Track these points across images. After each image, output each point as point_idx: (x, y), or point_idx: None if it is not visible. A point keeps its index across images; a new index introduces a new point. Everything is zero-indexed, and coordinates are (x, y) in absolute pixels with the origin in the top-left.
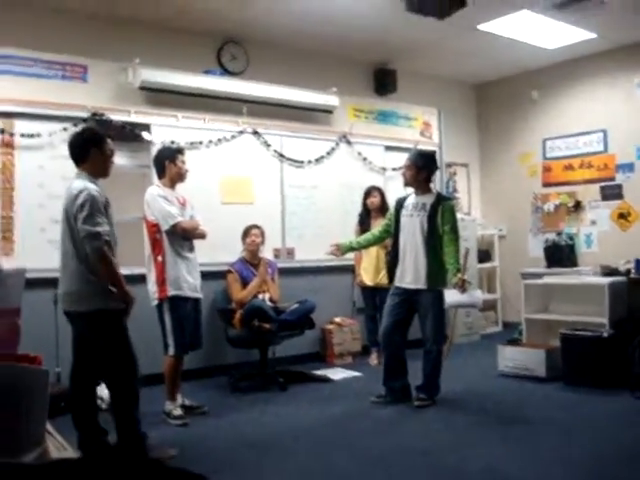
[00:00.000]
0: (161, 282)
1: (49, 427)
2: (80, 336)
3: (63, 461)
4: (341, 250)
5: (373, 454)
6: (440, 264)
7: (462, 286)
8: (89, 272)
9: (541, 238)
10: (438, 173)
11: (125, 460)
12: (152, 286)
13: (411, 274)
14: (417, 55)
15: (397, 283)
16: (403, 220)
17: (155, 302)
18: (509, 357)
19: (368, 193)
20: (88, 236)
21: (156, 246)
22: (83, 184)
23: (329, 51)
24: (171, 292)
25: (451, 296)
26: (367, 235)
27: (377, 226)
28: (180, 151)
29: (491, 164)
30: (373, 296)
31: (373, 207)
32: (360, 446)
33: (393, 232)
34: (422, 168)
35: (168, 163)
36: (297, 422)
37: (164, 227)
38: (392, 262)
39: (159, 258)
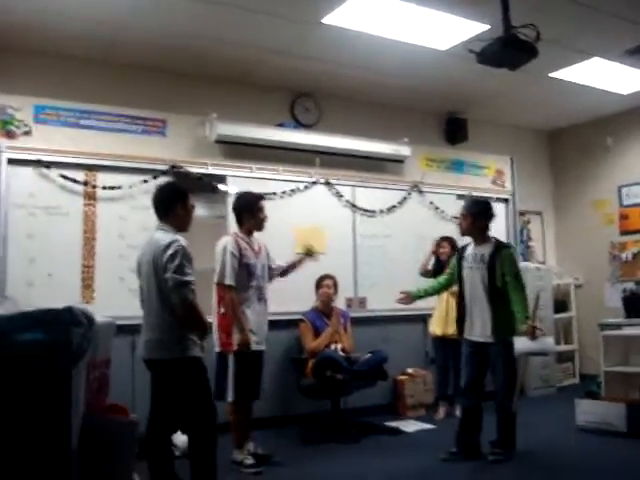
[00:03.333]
0: (228, 334)
1: (135, 476)
2: (159, 384)
3: None
4: (411, 298)
5: None
6: (507, 314)
7: (532, 333)
8: (173, 321)
9: (619, 287)
10: (512, 222)
11: None
12: (216, 332)
13: (479, 327)
14: (488, 104)
15: (466, 336)
16: (465, 272)
17: (218, 349)
18: (588, 411)
19: (438, 244)
20: (177, 285)
21: (221, 296)
22: (172, 236)
23: (400, 102)
24: (237, 347)
25: (521, 344)
26: (433, 283)
27: None
28: (260, 198)
29: (566, 212)
30: (444, 347)
31: (444, 258)
32: None
33: (458, 283)
34: (478, 216)
35: (246, 215)
36: (369, 475)
37: (215, 279)
38: (459, 314)
39: (222, 309)
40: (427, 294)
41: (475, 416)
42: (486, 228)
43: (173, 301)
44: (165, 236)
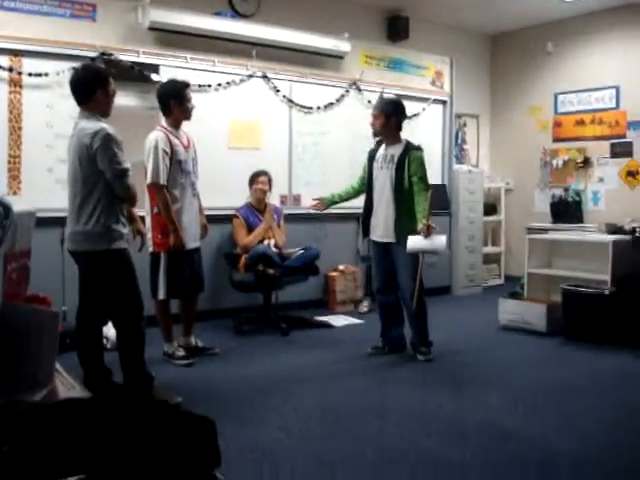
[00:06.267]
0: (162, 233)
1: (58, 366)
2: (86, 276)
3: (72, 400)
4: (324, 204)
5: (368, 399)
6: (410, 216)
7: (427, 232)
8: (97, 212)
9: (548, 193)
10: (448, 124)
11: (133, 401)
12: (150, 232)
13: (381, 228)
14: (431, 2)
15: (371, 236)
16: (375, 173)
17: (151, 249)
18: (510, 310)
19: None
20: (119, 174)
21: (154, 195)
22: (97, 125)
23: None
24: (172, 248)
25: (413, 242)
26: (348, 188)
27: None
28: (187, 85)
29: (502, 116)
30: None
31: None
32: (356, 390)
33: (367, 184)
34: (391, 116)
35: (174, 103)
36: (297, 366)
37: (147, 180)
38: (365, 214)
39: (155, 209)
40: (342, 199)
41: (393, 311)
42: (399, 128)
43: (116, 191)
44: (89, 124)
